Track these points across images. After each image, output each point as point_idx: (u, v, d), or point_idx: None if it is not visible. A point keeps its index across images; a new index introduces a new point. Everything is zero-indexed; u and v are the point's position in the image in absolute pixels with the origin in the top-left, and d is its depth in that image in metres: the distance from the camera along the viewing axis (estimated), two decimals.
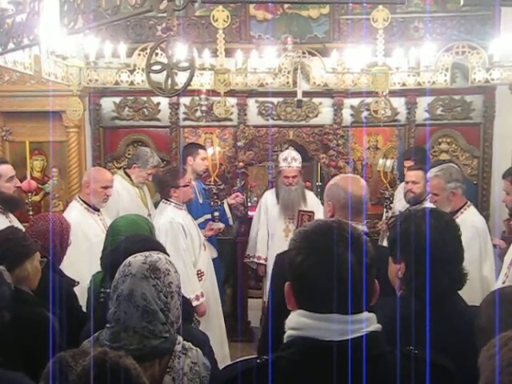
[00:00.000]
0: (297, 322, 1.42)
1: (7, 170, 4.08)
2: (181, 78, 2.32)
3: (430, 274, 1.89)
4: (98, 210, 4.47)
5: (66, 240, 3.39)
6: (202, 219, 5.20)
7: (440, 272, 1.91)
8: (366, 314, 1.42)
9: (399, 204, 5.13)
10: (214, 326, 4.54)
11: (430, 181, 4.03)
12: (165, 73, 2.13)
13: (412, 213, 2.11)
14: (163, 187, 4.52)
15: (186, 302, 2.33)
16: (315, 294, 1.40)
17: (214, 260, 5.26)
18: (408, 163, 5.22)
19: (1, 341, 2.10)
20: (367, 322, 1.41)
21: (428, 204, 4.28)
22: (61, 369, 1.65)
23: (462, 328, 1.86)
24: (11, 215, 4.13)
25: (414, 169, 4.82)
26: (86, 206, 4.40)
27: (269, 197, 5.57)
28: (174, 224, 4.29)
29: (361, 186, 2.59)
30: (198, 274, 4.45)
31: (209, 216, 5.16)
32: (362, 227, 2.45)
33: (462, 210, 3.96)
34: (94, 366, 1.53)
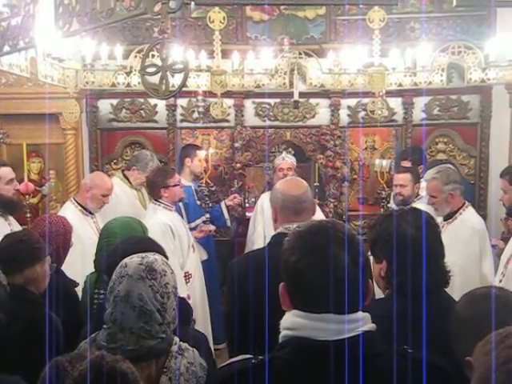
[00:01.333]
0: (292, 322, 1.43)
1: (7, 172, 4.08)
2: (177, 80, 2.33)
3: (412, 270, 1.91)
4: (92, 213, 4.47)
5: (68, 242, 3.41)
6: (199, 221, 5.21)
7: (421, 268, 1.92)
8: (361, 314, 1.43)
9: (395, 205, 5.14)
10: (200, 329, 4.53)
11: (428, 183, 4.04)
12: (160, 75, 2.14)
13: (391, 212, 2.14)
14: (154, 188, 4.54)
15: (184, 303, 2.33)
16: (310, 294, 1.41)
17: (210, 261, 5.26)
18: (405, 163, 5.23)
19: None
20: (362, 322, 1.42)
21: (417, 205, 4.30)
22: (57, 373, 1.65)
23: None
24: (11, 218, 4.13)
25: (402, 172, 4.81)
26: (80, 208, 4.40)
27: (265, 199, 5.54)
28: (161, 225, 4.30)
29: (298, 186, 2.60)
30: (185, 276, 4.45)
31: (207, 216, 5.16)
32: None
33: (460, 210, 3.98)
34: (91, 371, 1.52)
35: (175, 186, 4.51)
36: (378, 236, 2.06)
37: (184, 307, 2.17)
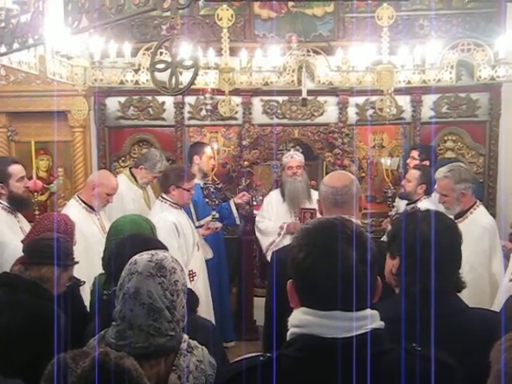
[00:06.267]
0: (300, 319, 1.42)
1: (18, 169, 4.12)
2: (186, 77, 2.33)
3: (421, 272, 1.88)
4: (96, 211, 4.47)
5: (71, 240, 3.41)
6: (209, 217, 5.20)
7: (433, 273, 1.88)
8: (369, 311, 1.42)
9: (402, 203, 5.13)
10: None
11: (439, 182, 4.02)
12: (169, 71, 2.13)
13: (415, 212, 2.11)
14: (166, 182, 4.53)
15: (189, 292, 2.32)
16: (318, 291, 1.40)
17: (220, 259, 5.25)
18: (413, 153, 5.24)
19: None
20: (371, 319, 1.41)
21: (423, 204, 4.31)
22: (61, 370, 1.66)
23: (457, 327, 1.85)
24: (20, 215, 4.16)
25: (414, 168, 4.87)
26: (84, 205, 4.40)
27: (274, 196, 5.53)
28: (167, 223, 4.30)
29: (340, 178, 2.65)
30: (189, 274, 4.43)
31: (214, 213, 5.15)
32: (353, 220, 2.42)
33: (471, 209, 3.97)
34: (94, 368, 1.53)
35: (186, 190, 4.51)
36: (398, 232, 2.04)
37: (190, 296, 2.15)
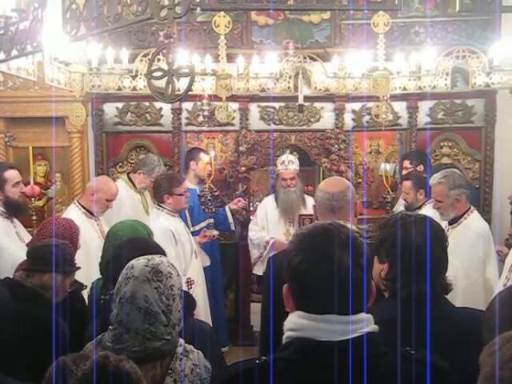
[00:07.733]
0: (295, 323, 1.44)
1: (14, 175, 4.14)
2: (183, 84, 2.35)
3: (411, 278, 1.90)
4: (96, 216, 4.48)
5: (75, 244, 3.41)
6: (203, 224, 5.21)
7: (421, 277, 1.91)
8: (364, 315, 1.44)
9: (402, 208, 5.15)
10: None
11: (434, 188, 4.05)
12: (166, 79, 2.16)
13: (403, 216, 2.14)
14: (158, 191, 4.55)
15: (186, 295, 2.34)
16: (313, 295, 1.42)
17: (214, 265, 5.26)
18: (406, 163, 5.25)
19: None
20: (366, 323, 1.43)
21: (426, 209, 4.33)
22: (62, 373, 1.67)
23: (446, 330, 1.87)
24: (16, 220, 4.17)
25: (404, 179, 4.90)
26: (84, 210, 4.43)
27: (269, 202, 5.53)
28: (163, 230, 4.29)
29: (335, 184, 2.69)
30: (187, 282, 4.43)
31: (210, 221, 5.15)
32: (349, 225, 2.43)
33: (465, 215, 4.00)
34: (95, 371, 1.54)
35: (180, 195, 4.52)
36: (385, 237, 2.06)
37: (186, 299, 2.17)
